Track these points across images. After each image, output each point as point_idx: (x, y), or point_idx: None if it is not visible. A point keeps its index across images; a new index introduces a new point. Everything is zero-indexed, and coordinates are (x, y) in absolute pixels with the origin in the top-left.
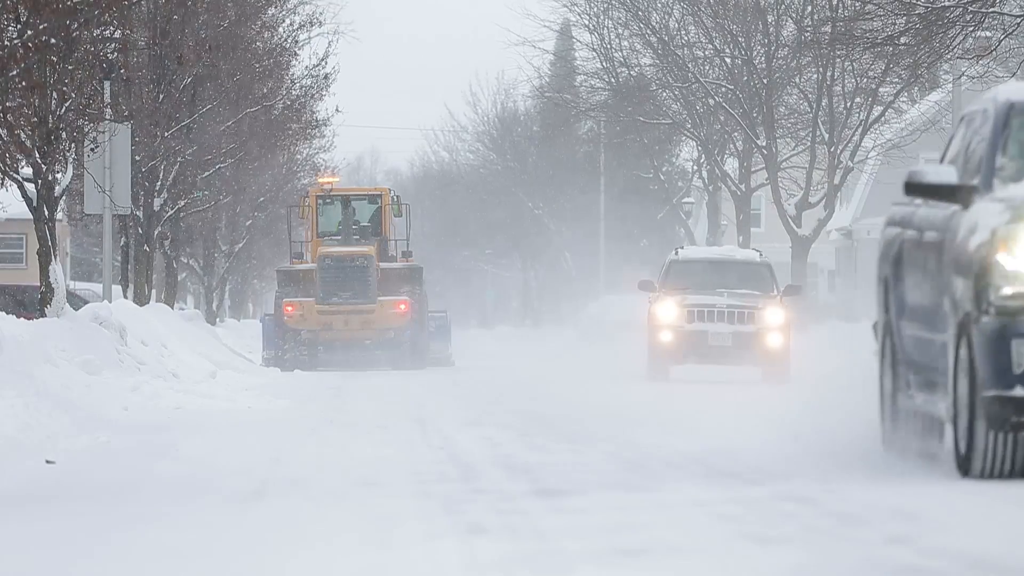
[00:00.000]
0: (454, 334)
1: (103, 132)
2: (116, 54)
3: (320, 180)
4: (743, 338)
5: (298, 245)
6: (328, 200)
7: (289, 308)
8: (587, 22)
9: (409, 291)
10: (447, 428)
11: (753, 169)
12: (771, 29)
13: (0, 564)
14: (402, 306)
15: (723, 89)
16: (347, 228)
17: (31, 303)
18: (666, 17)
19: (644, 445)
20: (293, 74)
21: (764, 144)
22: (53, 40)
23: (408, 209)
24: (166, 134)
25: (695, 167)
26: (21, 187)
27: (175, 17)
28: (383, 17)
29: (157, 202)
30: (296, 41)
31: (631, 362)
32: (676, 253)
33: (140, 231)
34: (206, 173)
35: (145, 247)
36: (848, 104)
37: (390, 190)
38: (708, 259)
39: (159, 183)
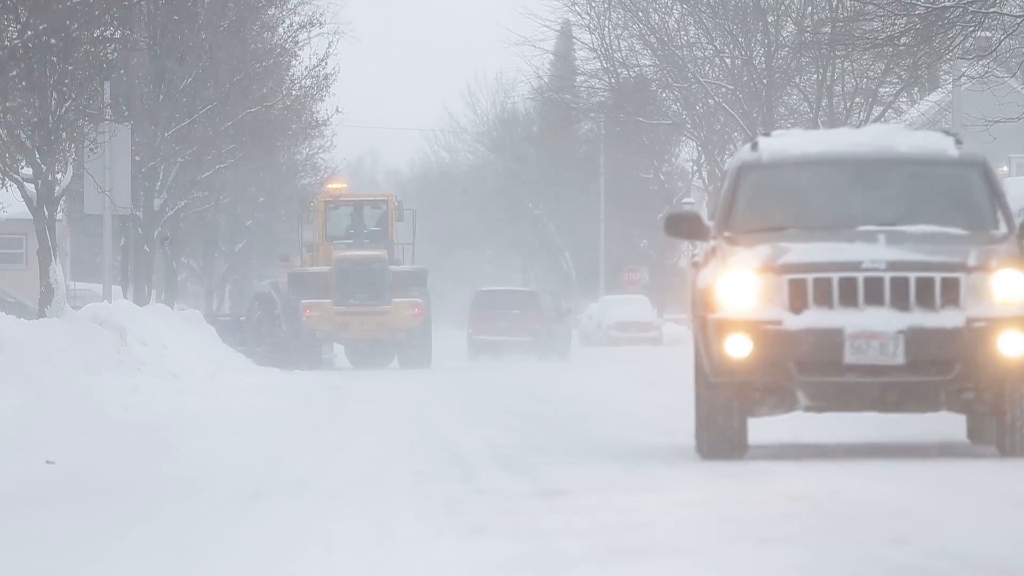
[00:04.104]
0: (453, 334)
1: (103, 132)
2: (116, 54)
3: (330, 186)
4: (931, 342)
5: (293, 248)
6: (335, 205)
7: (308, 310)
8: (587, 22)
9: (418, 293)
10: (447, 428)
11: None
12: (771, 29)
13: (0, 564)
14: (416, 308)
15: (723, 89)
16: (359, 232)
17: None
18: (666, 17)
19: (644, 445)
20: (293, 74)
21: None
22: (53, 40)
23: (414, 214)
24: (166, 134)
25: (695, 167)
26: (21, 187)
27: (175, 17)
28: (383, 17)
29: (157, 202)
30: (296, 41)
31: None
32: (754, 148)
33: (140, 231)
34: (206, 173)
35: (145, 247)
36: (848, 104)
37: (393, 195)
38: (832, 157)
39: (159, 183)
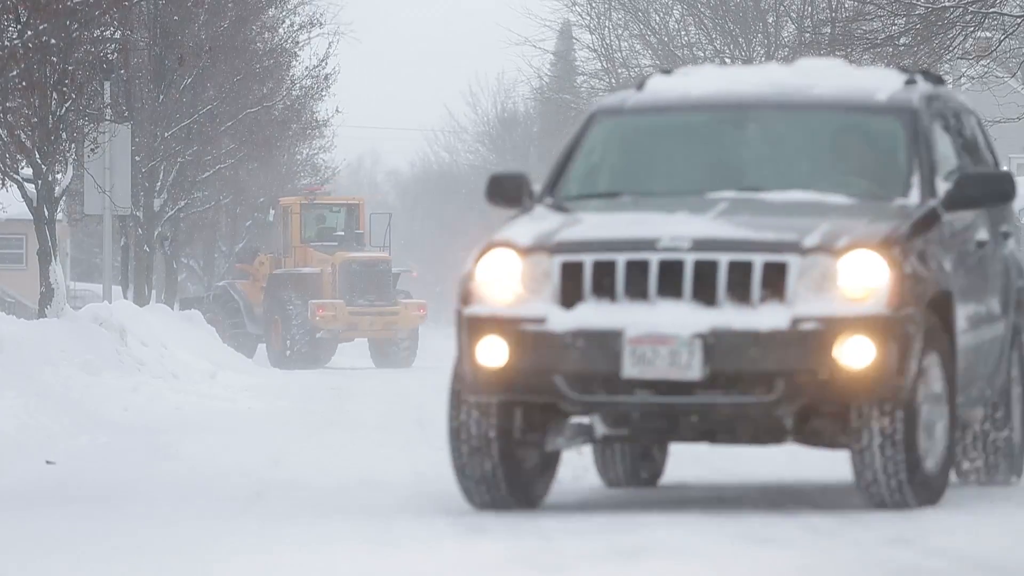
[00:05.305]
0: (453, 333)
1: (103, 132)
2: (116, 54)
3: (306, 190)
4: (739, 350)
5: (253, 253)
6: (310, 208)
7: (320, 310)
8: (587, 22)
9: (404, 293)
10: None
11: None
12: (771, 29)
13: (0, 564)
14: (422, 309)
15: None
16: (351, 234)
17: None
18: (666, 18)
19: None
20: (293, 75)
21: None
22: (53, 40)
23: (390, 218)
24: (166, 134)
25: None
26: (21, 187)
27: (175, 17)
28: (383, 17)
29: (157, 202)
30: (296, 42)
31: None
32: (639, 88)
33: (140, 231)
34: (206, 173)
35: (145, 247)
36: None
37: (364, 199)
38: (715, 102)
39: (159, 183)
